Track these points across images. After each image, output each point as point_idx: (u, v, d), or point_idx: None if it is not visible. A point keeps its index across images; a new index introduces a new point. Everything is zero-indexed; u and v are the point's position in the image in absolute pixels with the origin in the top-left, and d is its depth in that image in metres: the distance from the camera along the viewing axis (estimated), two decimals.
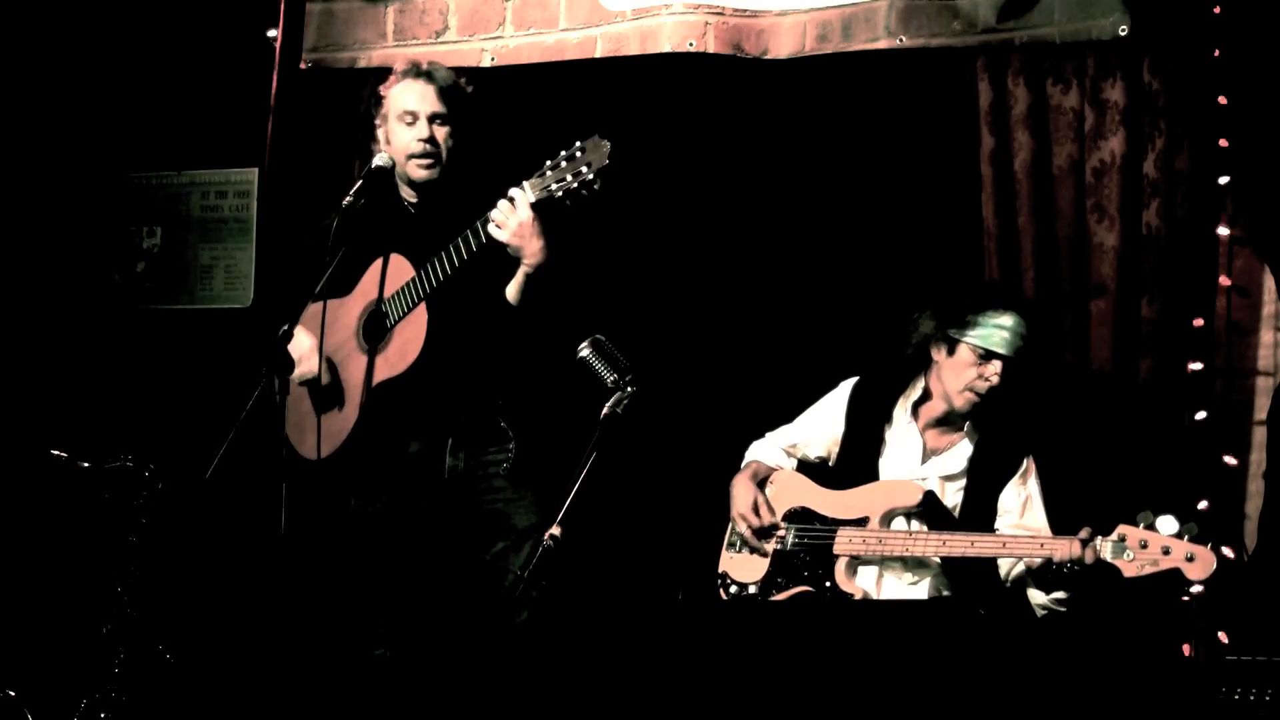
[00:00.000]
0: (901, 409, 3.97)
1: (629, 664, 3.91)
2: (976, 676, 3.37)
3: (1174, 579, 3.54)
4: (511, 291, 3.82)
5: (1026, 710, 3.63)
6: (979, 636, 3.65)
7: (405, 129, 3.91)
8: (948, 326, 3.88)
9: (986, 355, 3.81)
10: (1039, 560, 3.66)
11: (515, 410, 4.01)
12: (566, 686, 4.07)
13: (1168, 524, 3.55)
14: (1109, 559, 3.57)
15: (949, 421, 3.93)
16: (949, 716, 3.28)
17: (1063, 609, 3.77)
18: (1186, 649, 4.01)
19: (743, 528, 3.96)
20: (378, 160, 3.80)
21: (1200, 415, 4.10)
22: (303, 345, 3.91)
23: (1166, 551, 3.53)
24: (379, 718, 3.99)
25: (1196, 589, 3.97)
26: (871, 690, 3.26)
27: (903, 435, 3.95)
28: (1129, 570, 3.55)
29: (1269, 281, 4.13)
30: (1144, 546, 3.54)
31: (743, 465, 4.12)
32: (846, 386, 4.07)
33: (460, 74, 4.11)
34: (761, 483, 4.04)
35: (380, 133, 3.97)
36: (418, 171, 3.91)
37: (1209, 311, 4.12)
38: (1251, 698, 3.69)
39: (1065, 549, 3.62)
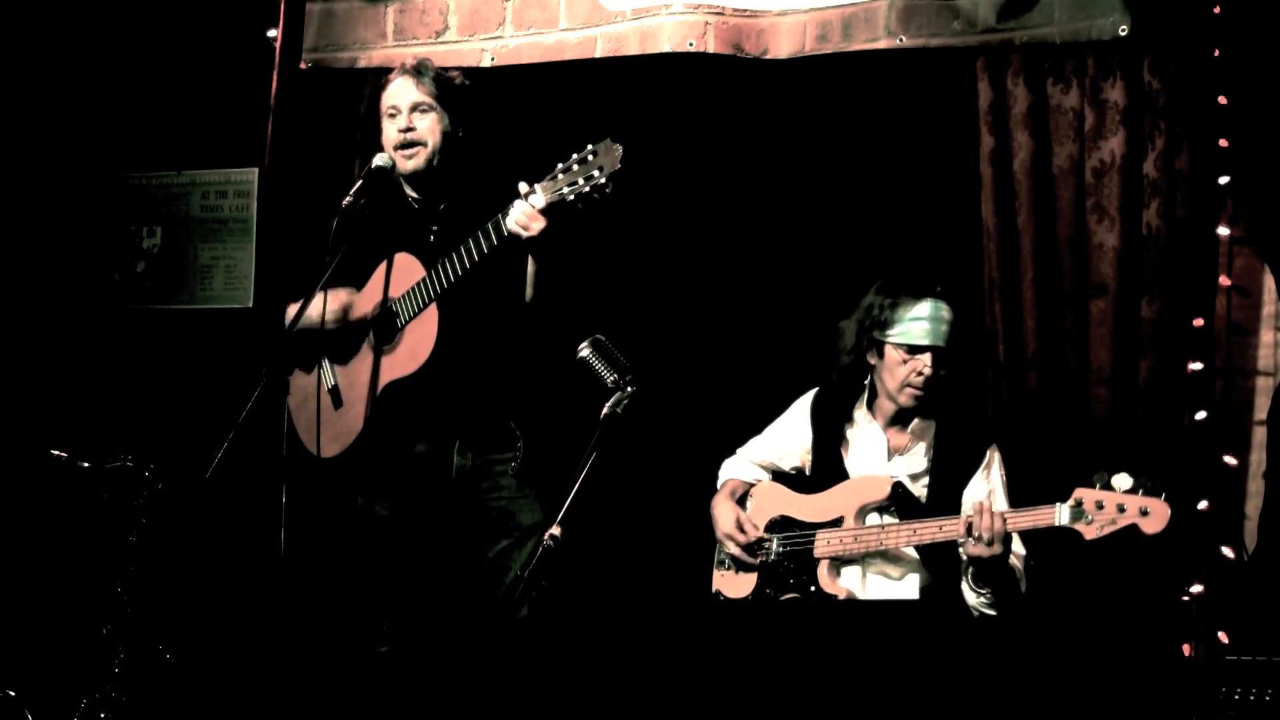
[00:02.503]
0: (861, 410, 3.95)
1: (627, 663, 3.91)
2: (973, 677, 3.36)
3: (1171, 577, 3.47)
4: (527, 290, 3.84)
5: (1026, 710, 3.63)
6: (975, 635, 3.64)
7: (390, 122, 3.98)
8: (870, 331, 3.85)
9: (913, 350, 3.79)
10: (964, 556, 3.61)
11: (523, 410, 4.01)
12: (566, 684, 4.07)
13: (1123, 481, 3.46)
14: (1068, 524, 3.48)
15: (904, 419, 3.89)
16: (946, 718, 3.28)
17: (992, 611, 3.68)
18: (1186, 649, 4.01)
19: (731, 547, 3.94)
20: (378, 160, 3.87)
21: (1200, 415, 4.09)
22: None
23: (1121, 509, 3.43)
24: (381, 715, 3.99)
25: (1196, 589, 3.98)
26: (860, 693, 3.26)
27: (866, 436, 3.93)
28: (1089, 533, 3.45)
29: (1269, 281, 4.12)
30: (1100, 507, 3.45)
31: (719, 485, 4.12)
32: (808, 396, 4.06)
33: (461, 73, 4.13)
34: (741, 499, 4.04)
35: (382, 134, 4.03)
36: (404, 162, 3.95)
37: (1209, 311, 4.12)
38: (1251, 698, 3.69)
39: (955, 527, 3.59)
